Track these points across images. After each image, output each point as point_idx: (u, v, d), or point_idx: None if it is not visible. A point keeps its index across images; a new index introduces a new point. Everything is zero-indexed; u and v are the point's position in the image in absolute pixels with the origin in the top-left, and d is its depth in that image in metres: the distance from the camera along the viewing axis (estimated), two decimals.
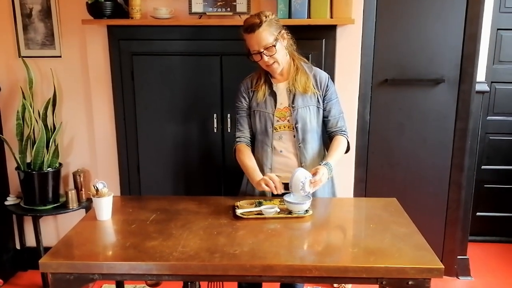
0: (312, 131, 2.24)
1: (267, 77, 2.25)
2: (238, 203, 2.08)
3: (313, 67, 2.30)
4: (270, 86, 2.24)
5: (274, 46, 2.09)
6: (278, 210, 2.00)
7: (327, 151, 2.28)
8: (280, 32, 2.13)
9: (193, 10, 2.72)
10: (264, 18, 2.07)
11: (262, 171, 2.22)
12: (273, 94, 2.23)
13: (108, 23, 2.76)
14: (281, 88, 2.24)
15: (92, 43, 2.88)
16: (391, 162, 3.09)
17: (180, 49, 2.81)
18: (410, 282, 1.58)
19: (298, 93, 2.21)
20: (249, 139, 2.31)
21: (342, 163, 2.91)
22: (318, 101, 2.24)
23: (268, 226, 1.90)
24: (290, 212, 2.00)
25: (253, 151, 2.29)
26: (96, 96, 2.96)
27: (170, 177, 3.00)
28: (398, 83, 2.97)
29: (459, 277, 3.21)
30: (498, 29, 3.37)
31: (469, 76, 2.90)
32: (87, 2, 2.69)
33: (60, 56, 3.02)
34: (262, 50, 2.09)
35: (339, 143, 2.24)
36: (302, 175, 2.01)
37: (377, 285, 1.62)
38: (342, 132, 2.29)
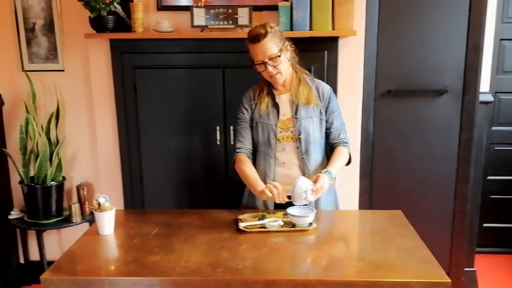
0: (315, 143, 2.23)
1: (270, 89, 2.25)
2: (241, 217, 2.06)
3: (315, 79, 2.30)
4: (273, 97, 2.24)
5: (279, 56, 2.10)
6: (282, 223, 1.97)
7: None
8: (284, 43, 2.15)
9: (195, 23, 2.73)
10: (269, 29, 2.09)
11: (265, 182, 2.19)
12: (276, 106, 2.23)
13: (110, 36, 2.76)
14: (283, 100, 2.24)
15: (95, 56, 2.88)
16: (396, 174, 3.07)
17: (182, 62, 2.82)
18: None
19: (301, 104, 2.20)
20: (250, 150, 2.29)
21: (347, 175, 2.90)
22: (321, 112, 2.23)
23: (271, 239, 1.88)
24: (293, 225, 1.98)
25: (254, 163, 2.28)
26: (99, 110, 2.96)
27: (173, 190, 2.98)
28: (401, 94, 2.96)
29: None
30: (501, 40, 3.36)
31: (472, 87, 2.89)
32: (89, 16, 2.70)
33: (63, 70, 3.03)
34: (266, 61, 2.10)
35: (340, 154, 2.23)
36: (304, 185, 2.00)
37: None
38: (344, 144, 2.28)
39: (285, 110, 2.23)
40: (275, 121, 2.22)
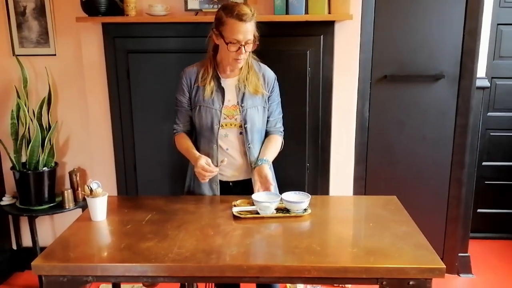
0: (258, 132, 2.20)
1: (216, 71, 2.15)
2: (235, 202, 2.04)
3: (261, 64, 2.22)
4: (218, 80, 2.15)
5: (256, 43, 2.05)
6: (274, 211, 1.96)
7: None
8: (257, 30, 2.07)
9: (189, 7, 2.69)
10: (255, 13, 2.02)
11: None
12: (221, 90, 2.14)
13: (103, 20, 2.72)
14: (229, 84, 2.16)
15: (87, 41, 2.84)
16: (391, 159, 3.06)
17: (176, 47, 2.78)
18: (411, 282, 1.55)
19: (248, 93, 2.14)
20: (187, 132, 2.24)
21: (342, 161, 2.89)
22: (265, 101, 2.20)
23: (266, 225, 1.86)
24: (288, 211, 1.96)
25: (197, 148, 2.20)
26: (92, 95, 2.92)
27: (167, 176, 2.96)
28: (397, 79, 2.94)
29: (460, 275, 3.18)
30: (498, 24, 3.33)
31: (469, 72, 2.87)
32: (81, 0, 2.66)
33: (54, 55, 2.98)
34: (243, 43, 2.00)
35: (275, 141, 2.24)
36: (261, 197, 2.00)
37: (377, 286, 1.58)
38: (280, 133, 2.29)
39: (231, 96, 2.15)
40: (219, 106, 2.14)
